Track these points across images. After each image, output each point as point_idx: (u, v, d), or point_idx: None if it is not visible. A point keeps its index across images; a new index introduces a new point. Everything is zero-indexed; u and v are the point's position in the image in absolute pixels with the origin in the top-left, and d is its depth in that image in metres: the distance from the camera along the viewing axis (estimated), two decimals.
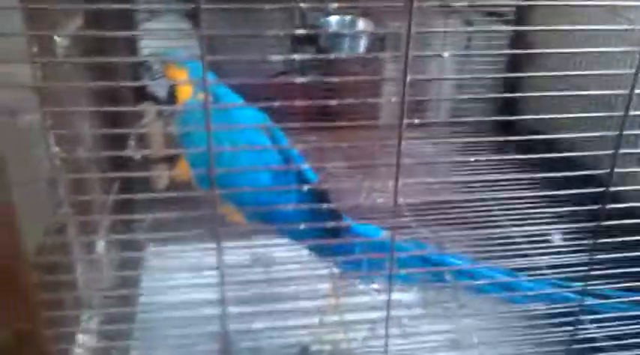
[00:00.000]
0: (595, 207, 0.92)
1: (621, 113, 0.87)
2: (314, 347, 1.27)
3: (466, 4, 1.74)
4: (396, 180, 0.73)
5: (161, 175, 1.35)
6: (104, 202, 1.28)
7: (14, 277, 0.78)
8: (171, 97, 1.27)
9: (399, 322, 1.19)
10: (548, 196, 1.44)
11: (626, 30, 1.25)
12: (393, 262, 0.86)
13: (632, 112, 0.87)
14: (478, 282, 1.19)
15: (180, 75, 1.25)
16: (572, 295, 1.12)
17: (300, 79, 0.73)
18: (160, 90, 1.28)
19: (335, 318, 1.31)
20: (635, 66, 0.83)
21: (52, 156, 0.87)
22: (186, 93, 1.25)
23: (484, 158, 0.99)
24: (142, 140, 1.56)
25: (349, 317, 1.31)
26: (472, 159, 0.90)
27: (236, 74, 0.91)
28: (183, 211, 0.92)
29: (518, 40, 2.02)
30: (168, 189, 1.41)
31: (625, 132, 0.88)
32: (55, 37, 0.99)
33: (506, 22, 2.14)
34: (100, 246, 1.21)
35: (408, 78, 0.70)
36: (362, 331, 1.23)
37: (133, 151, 1.59)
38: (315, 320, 1.29)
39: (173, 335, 1.10)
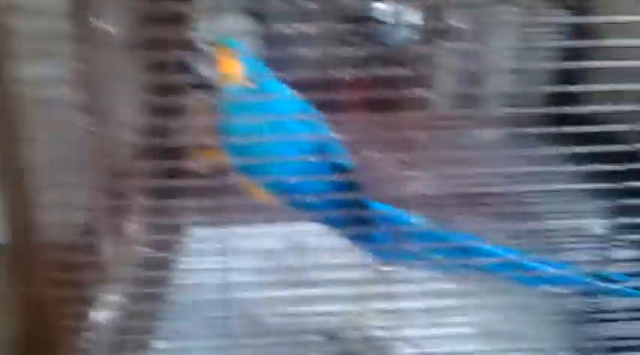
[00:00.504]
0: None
1: None
2: (343, 334, 1.28)
3: None
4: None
5: (201, 160, 1.40)
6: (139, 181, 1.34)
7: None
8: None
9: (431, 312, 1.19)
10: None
11: None
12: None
13: None
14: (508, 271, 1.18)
15: (231, 59, 1.26)
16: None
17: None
18: (209, 73, 1.32)
19: (366, 305, 1.31)
20: None
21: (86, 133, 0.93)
22: (235, 78, 1.27)
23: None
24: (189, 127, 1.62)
25: (380, 304, 1.31)
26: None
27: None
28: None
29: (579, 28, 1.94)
30: (208, 175, 1.46)
31: None
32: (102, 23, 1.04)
33: (571, 11, 2.06)
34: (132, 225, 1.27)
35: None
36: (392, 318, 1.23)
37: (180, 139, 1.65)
38: (346, 306, 1.30)
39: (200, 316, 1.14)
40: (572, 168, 1.39)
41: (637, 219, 0.87)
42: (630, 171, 0.86)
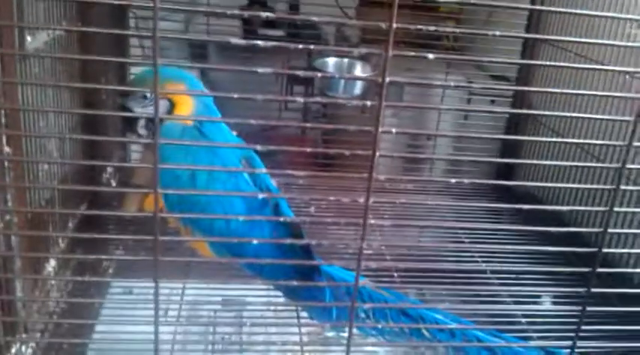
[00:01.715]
0: (585, 269, 0.83)
1: (618, 165, 0.80)
2: None
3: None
4: (364, 228, 0.66)
5: (132, 199, 1.29)
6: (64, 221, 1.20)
7: None
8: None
9: None
10: (540, 256, 1.38)
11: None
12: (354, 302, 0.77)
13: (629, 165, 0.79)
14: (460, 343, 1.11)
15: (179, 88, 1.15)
16: None
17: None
18: (150, 111, 1.18)
19: None
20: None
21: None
22: (186, 109, 1.16)
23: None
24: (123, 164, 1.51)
25: None
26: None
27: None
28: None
29: (519, 102, 1.99)
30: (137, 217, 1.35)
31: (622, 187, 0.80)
32: (27, 36, 0.93)
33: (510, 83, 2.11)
34: (51, 266, 1.12)
35: (380, 130, 0.64)
36: None
37: (110, 176, 1.54)
38: None
39: None
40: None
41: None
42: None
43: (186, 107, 1.15)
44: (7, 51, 0.83)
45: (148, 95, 1.16)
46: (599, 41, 0.99)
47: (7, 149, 0.87)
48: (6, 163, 0.87)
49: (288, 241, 0.92)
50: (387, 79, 0.65)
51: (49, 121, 1.09)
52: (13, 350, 0.93)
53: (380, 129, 0.66)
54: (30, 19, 0.95)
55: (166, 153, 1.08)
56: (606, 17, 1.42)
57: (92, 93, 1.36)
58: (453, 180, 0.73)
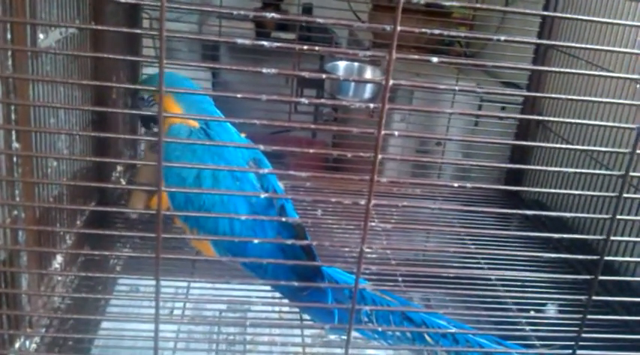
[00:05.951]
0: (587, 276, 0.83)
1: (622, 172, 0.79)
2: None
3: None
4: (364, 230, 0.67)
5: (139, 198, 1.30)
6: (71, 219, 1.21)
7: None
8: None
9: None
10: (545, 263, 1.38)
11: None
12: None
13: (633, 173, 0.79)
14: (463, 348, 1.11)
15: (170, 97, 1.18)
16: None
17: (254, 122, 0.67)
18: (151, 112, 1.23)
19: None
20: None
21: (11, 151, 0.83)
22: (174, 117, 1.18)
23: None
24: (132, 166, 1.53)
25: None
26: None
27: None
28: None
29: (529, 109, 1.98)
30: (144, 217, 1.37)
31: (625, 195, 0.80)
32: (40, 34, 0.94)
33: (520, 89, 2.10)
34: (58, 262, 1.13)
35: (383, 132, 0.64)
36: None
37: (119, 175, 1.56)
38: None
39: None
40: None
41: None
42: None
43: (174, 109, 1.16)
44: (19, 48, 0.84)
45: (145, 98, 1.23)
46: (610, 48, 0.99)
47: (16, 145, 0.88)
48: (15, 159, 0.88)
49: (290, 242, 0.92)
50: (391, 82, 0.65)
51: (59, 119, 1.10)
52: (17, 345, 0.94)
53: (382, 132, 0.66)
54: (43, 17, 0.97)
55: (173, 157, 1.10)
56: (618, 24, 1.42)
57: (103, 93, 1.37)
58: (456, 184, 0.74)
